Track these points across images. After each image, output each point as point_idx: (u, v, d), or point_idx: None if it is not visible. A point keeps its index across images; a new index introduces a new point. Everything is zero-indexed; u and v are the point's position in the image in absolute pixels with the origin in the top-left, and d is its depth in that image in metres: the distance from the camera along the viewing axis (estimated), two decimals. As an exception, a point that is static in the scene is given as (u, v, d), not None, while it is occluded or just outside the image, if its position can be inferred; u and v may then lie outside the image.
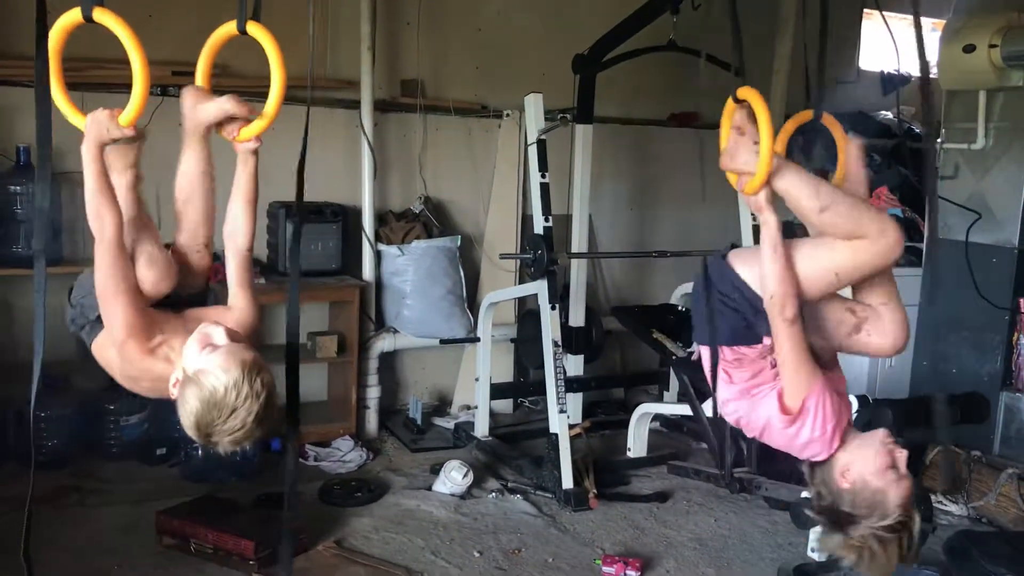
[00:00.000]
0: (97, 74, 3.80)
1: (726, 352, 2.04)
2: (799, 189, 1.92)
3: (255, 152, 1.97)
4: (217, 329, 1.78)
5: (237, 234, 1.99)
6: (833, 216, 1.90)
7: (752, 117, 1.97)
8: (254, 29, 1.93)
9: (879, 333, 2.03)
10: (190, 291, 2.04)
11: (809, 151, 5.81)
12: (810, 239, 2.00)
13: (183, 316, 1.92)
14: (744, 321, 2.00)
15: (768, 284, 1.91)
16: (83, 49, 1.92)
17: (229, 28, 1.98)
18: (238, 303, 1.98)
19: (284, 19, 2.14)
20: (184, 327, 1.87)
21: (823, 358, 2.02)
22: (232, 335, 1.79)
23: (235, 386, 1.68)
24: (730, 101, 2.01)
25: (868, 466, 1.91)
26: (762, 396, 2.02)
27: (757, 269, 1.97)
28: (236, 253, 1.99)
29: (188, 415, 1.72)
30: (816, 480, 2.01)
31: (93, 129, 1.78)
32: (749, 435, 2.16)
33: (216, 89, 2.07)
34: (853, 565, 1.91)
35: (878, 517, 1.87)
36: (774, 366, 2.00)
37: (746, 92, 1.98)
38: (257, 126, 1.94)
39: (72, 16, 1.82)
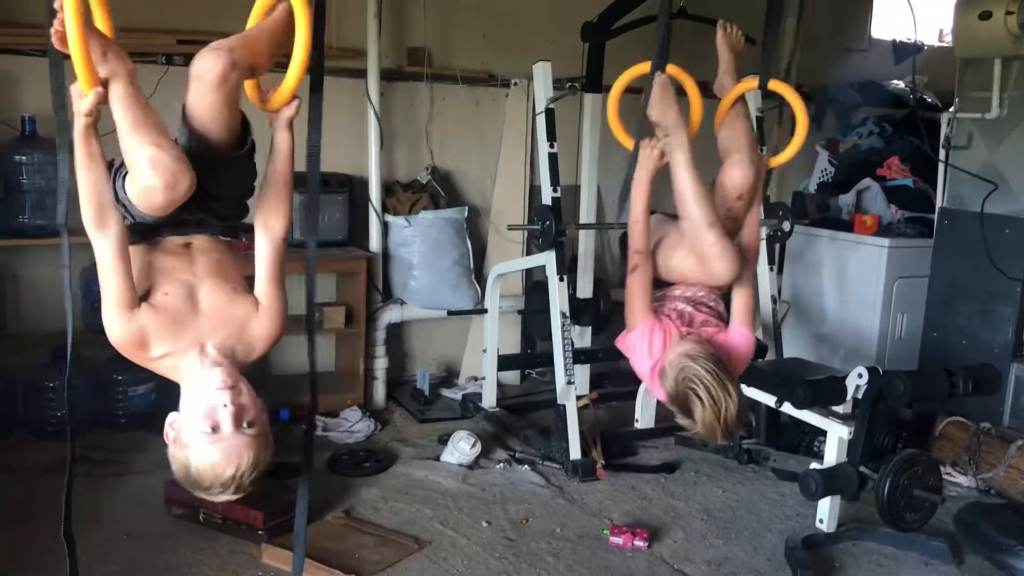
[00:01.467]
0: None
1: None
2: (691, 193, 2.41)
3: (290, 124, 1.84)
4: (225, 413, 1.63)
5: (272, 220, 1.80)
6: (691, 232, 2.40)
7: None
8: None
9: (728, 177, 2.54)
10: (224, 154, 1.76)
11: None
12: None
13: (198, 308, 1.73)
14: None
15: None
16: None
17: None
18: (268, 304, 1.78)
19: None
20: (196, 326, 1.71)
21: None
22: (238, 415, 1.64)
23: (222, 484, 1.63)
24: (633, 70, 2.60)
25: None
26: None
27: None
28: (272, 242, 1.80)
29: (174, 468, 1.68)
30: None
31: (75, 104, 1.62)
32: None
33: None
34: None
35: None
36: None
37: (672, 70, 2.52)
38: (285, 89, 1.80)
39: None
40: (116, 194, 1.67)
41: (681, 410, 2.18)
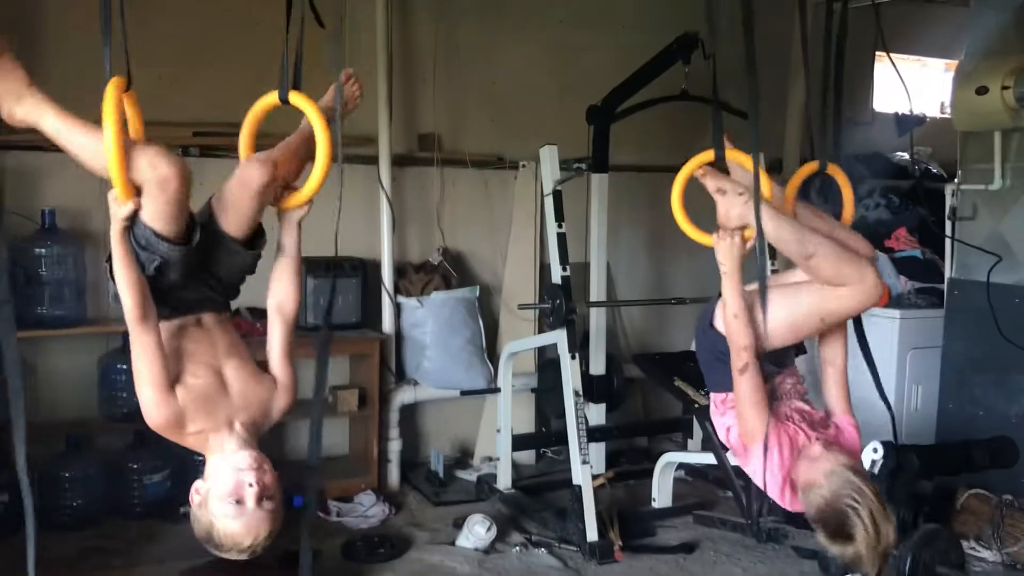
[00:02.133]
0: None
1: (719, 395, 2.31)
2: (787, 236, 2.11)
3: (300, 223, 2.03)
4: (251, 492, 1.82)
5: (285, 304, 2.03)
6: (819, 262, 2.08)
7: (724, 173, 2.25)
8: (297, 99, 1.99)
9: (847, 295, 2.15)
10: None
11: (827, 194, 5.82)
12: (796, 284, 2.20)
13: (227, 389, 1.92)
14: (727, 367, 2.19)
15: (730, 341, 2.16)
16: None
17: (270, 99, 2.03)
18: (284, 381, 2.01)
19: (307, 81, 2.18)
20: (227, 404, 1.91)
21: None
22: (261, 494, 1.83)
23: (239, 551, 1.83)
24: (696, 159, 2.26)
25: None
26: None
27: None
28: (284, 324, 2.03)
29: (196, 528, 1.87)
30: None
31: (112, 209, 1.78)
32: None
33: (236, 147, 2.12)
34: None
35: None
36: None
37: (732, 154, 2.25)
38: (304, 194, 2.00)
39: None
40: (137, 242, 1.79)
41: (832, 530, 2.00)
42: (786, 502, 2.13)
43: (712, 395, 2.33)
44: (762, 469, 2.09)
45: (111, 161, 1.69)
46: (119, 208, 1.74)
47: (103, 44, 1.79)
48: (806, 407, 2.23)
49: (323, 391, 2.11)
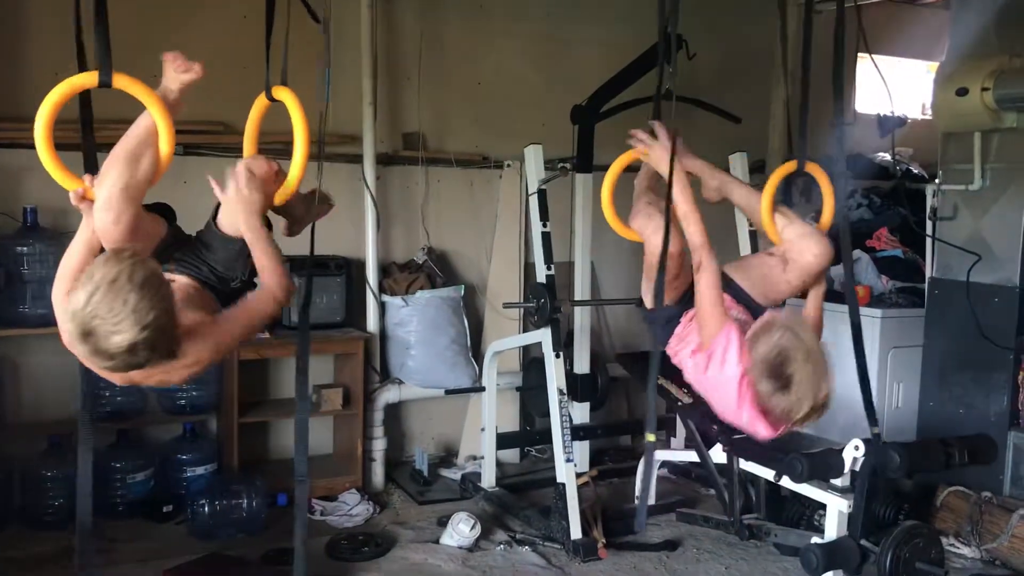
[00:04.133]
0: (107, 135, 3.86)
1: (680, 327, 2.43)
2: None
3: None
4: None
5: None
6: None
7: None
8: (282, 94, 2.01)
9: (799, 252, 2.44)
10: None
11: (809, 194, 5.87)
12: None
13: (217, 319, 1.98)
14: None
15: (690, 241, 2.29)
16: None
17: (262, 98, 2.08)
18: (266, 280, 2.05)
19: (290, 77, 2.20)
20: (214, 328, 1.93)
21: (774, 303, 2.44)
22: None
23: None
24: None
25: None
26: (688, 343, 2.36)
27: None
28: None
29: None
30: None
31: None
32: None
33: (219, 145, 2.15)
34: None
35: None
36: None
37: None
38: (285, 192, 2.06)
39: (85, 80, 1.86)
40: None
41: (772, 375, 2.07)
42: (744, 404, 2.15)
43: (675, 333, 2.42)
44: (720, 361, 2.16)
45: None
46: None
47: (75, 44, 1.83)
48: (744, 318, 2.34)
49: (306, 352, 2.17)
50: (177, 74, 2.07)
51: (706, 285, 2.22)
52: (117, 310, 1.66)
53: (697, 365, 2.28)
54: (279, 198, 2.08)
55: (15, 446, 3.97)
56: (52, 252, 3.94)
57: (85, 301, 1.67)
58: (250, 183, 2.02)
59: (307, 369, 2.15)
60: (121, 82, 1.89)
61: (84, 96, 1.92)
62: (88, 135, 1.93)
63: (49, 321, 4.00)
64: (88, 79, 1.89)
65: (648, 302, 2.47)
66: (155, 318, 1.69)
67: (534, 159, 4.17)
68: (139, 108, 1.98)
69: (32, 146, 1.90)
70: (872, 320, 4.74)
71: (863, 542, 3.27)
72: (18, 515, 3.90)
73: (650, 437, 2.19)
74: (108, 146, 1.93)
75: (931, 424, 4.41)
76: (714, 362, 2.19)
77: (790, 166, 2.56)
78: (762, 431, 2.19)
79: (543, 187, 4.14)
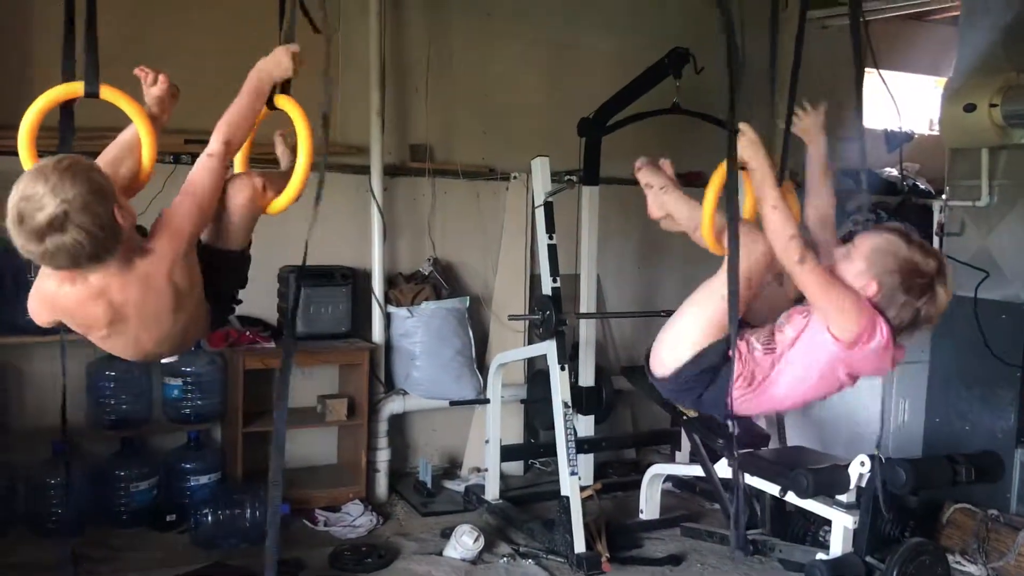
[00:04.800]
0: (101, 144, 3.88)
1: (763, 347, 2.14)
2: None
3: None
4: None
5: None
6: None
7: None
8: (284, 102, 2.01)
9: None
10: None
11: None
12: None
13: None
14: (704, 385, 2.11)
15: (774, 240, 2.02)
16: (84, 120, 2.00)
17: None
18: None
19: (295, 88, 2.20)
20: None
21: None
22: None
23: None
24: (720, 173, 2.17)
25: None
26: (785, 368, 2.08)
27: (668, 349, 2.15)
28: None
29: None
30: None
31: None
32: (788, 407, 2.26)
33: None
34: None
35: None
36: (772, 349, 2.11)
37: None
38: (285, 200, 2.00)
39: (71, 90, 1.87)
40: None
41: (911, 288, 2.01)
42: (889, 351, 2.04)
43: (750, 352, 2.11)
44: (886, 337, 2.00)
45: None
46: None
47: (63, 55, 1.85)
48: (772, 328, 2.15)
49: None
50: (147, 88, 2.07)
51: (819, 275, 1.99)
52: (39, 188, 1.66)
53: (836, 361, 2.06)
54: (278, 207, 2.06)
55: (19, 453, 3.96)
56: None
57: (14, 190, 1.69)
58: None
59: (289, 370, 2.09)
60: (107, 93, 1.90)
61: (65, 106, 1.92)
62: (66, 146, 1.93)
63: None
64: (74, 89, 1.89)
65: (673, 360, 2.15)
66: (77, 193, 1.67)
67: (541, 171, 4.18)
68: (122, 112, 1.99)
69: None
70: (878, 335, 4.73)
71: (868, 559, 3.26)
72: (22, 521, 3.90)
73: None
74: (94, 155, 1.93)
75: (937, 440, 4.39)
76: (871, 340, 2.00)
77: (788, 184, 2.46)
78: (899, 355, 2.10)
79: (550, 199, 4.14)
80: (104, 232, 1.71)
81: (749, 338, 2.11)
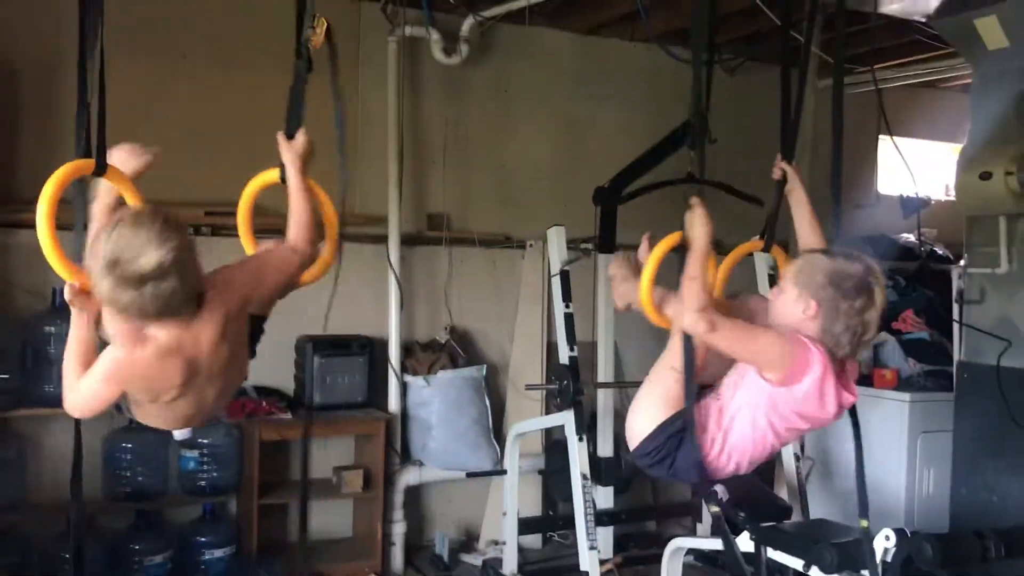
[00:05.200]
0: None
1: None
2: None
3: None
4: None
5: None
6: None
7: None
8: (309, 184, 2.06)
9: None
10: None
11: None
12: None
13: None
14: (675, 447, 2.31)
15: (683, 314, 2.22)
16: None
17: (270, 176, 2.09)
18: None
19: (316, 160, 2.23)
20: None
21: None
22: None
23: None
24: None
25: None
26: (736, 415, 2.31)
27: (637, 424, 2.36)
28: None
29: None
30: None
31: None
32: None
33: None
34: None
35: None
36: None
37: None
38: (317, 272, 2.09)
39: (81, 166, 1.92)
40: None
41: (852, 296, 2.14)
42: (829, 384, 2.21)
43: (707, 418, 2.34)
44: (822, 365, 2.16)
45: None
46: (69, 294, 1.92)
47: (77, 127, 1.92)
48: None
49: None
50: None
51: (732, 330, 2.19)
52: (142, 235, 1.71)
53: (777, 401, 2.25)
54: (310, 277, 2.11)
55: (36, 526, 3.94)
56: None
57: (107, 238, 1.73)
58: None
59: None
60: (112, 174, 1.97)
61: (80, 180, 1.97)
62: (83, 216, 1.98)
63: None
64: (84, 166, 1.94)
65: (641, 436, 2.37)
66: (179, 243, 1.73)
67: (557, 241, 4.20)
68: (145, 183, 2.04)
69: (61, 227, 1.93)
70: (900, 404, 4.67)
71: (897, 638, 3.16)
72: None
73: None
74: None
75: (964, 512, 4.28)
76: (807, 373, 2.19)
77: (674, 238, 2.47)
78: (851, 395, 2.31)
79: (566, 268, 4.15)
80: (194, 284, 1.79)
81: (707, 400, 2.32)
